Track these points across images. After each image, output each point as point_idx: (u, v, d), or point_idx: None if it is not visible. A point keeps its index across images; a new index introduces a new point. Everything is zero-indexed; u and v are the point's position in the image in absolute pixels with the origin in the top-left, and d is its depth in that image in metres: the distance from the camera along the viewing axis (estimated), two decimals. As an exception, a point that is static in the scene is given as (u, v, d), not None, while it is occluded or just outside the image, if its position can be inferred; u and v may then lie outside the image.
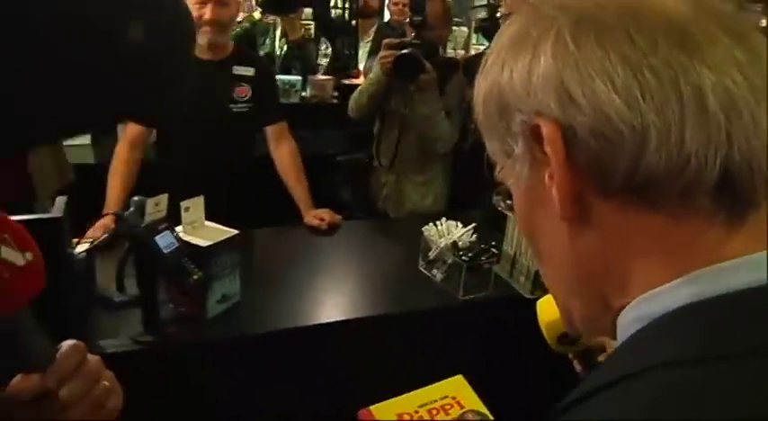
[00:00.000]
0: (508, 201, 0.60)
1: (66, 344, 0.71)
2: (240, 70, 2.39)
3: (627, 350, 0.48)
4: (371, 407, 1.21)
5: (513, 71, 0.49)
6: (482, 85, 0.54)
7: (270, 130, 2.48)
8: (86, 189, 2.19)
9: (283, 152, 2.47)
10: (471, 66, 2.84)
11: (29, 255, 0.62)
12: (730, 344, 0.41)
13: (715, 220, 0.45)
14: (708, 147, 0.43)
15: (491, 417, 1.20)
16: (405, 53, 2.41)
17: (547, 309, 1.05)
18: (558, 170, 0.47)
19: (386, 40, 2.53)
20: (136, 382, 1.12)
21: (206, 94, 2.25)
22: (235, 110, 2.40)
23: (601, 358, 1.08)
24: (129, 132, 2.31)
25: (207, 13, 2.22)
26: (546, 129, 0.46)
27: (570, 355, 1.11)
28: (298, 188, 2.43)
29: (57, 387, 0.67)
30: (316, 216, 2.35)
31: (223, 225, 1.66)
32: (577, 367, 1.12)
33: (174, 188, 1.58)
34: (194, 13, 2.19)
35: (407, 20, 2.63)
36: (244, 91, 2.40)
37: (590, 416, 0.44)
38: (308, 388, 1.64)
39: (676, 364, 0.41)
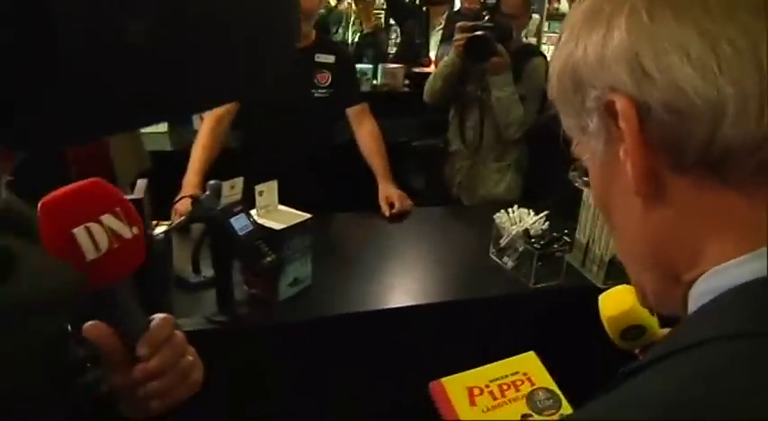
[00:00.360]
0: (584, 178, 0.59)
1: (158, 316, 0.74)
2: (321, 58, 2.46)
3: (692, 322, 0.48)
4: (442, 380, 1.21)
5: (587, 46, 0.49)
6: (556, 61, 0.53)
7: (351, 112, 2.54)
8: (163, 175, 2.26)
9: (365, 131, 2.52)
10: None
11: (135, 230, 0.66)
12: None
13: None
14: None
15: (562, 396, 1.18)
16: (476, 35, 2.40)
17: (609, 305, 1.04)
18: (632, 145, 0.46)
19: (459, 23, 2.52)
20: (209, 361, 1.16)
21: (290, 81, 2.28)
22: (316, 95, 2.47)
23: None
24: (215, 111, 2.38)
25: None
26: (620, 105, 0.46)
27: (636, 351, 1.09)
28: (376, 161, 2.46)
29: (148, 355, 0.70)
30: (387, 199, 2.36)
31: (300, 210, 1.69)
32: None
33: (253, 172, 1.62)
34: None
35: (479, 5, 2.61)
36: (325, 77, 2.47)
37: (648, 383, 0.44)
38: (376, 371, 1.66)
39: (735, 336, 0.41)
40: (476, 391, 1.17)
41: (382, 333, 1.72)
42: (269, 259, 1.47)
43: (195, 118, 3.26)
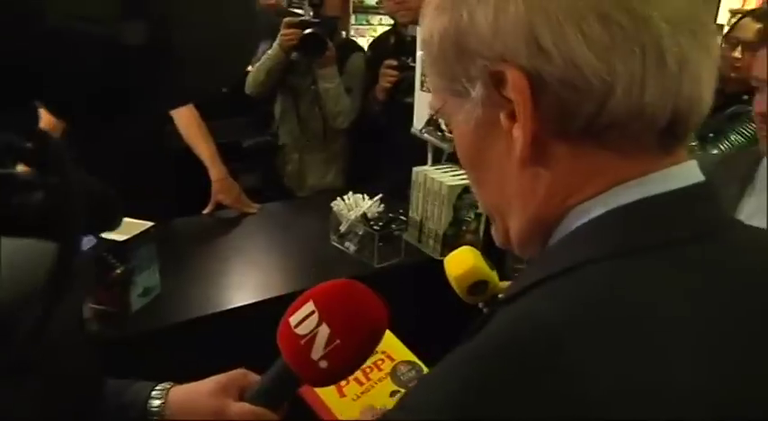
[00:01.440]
0: (439, 133, 0.64)
1: None
2: None
3: (551, 254, 0.53)
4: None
5: (474, 14, 0.50)
6: (435, 24, 0.53)
7: None
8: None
9: (183, 116, 2.40)
10: (377, 47, 2.96)
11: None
12: (643, 240, 0.48)
13: (651, 152, 0.50)
14: (663, 96, 0.47)
15: (422, 365, 1.25)
16: (311, 32, 2.51)
17: (454, 266, 1.14)
18: (524, 116, 0.48)
19: (286, 19, 2.61)
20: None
21: None
22: None
23: None
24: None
25: None
26: (511, 76, 0.48)
27: (480, 304, 1.21)
28: (201, 145, 2.37)
29: None
30: (215, 195, 2.35)
31: (139, 218, 1.66)
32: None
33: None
34: None
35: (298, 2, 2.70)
36: None
37: (519, 313, 0.48)
38: (238, 367, 1.68)
39: (596, 260, 0.47)
40: (342, 383, 1.17)
41: (238, 331, 1.73)
42: (118, 271, 1.45)
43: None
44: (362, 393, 1.21)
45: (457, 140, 0.59)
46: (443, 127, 0.66)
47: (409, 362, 1.28)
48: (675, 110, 0.48)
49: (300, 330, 0.81)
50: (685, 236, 0.48)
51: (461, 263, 1.15)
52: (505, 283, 1.19)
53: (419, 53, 2.16)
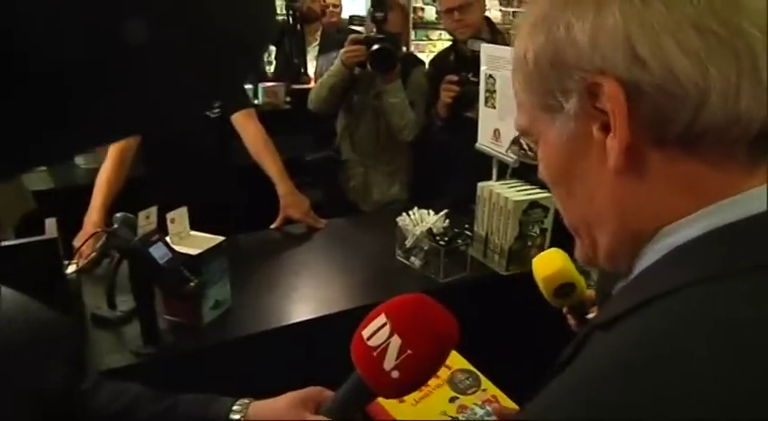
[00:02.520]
0: (529, 152, 0.65)
1: None
2: None
3: (649, 276, 0.53)
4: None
5: (571, 28, 0.51)
6: (528, 41, 0.55)
7: (235, 119, 2.48)
8: (49, 214, 2.20)
9: (250, 133, 2.47)
10: (438, 62, 2.98)
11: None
12: (742, 262, 0.46)
13: (742, 164, 0.50)
14: (757, 104, 0.47)
15: (479, 374, 1.25)
16: (382, 47, 2.54)
17: (542, 266, 1.14)
18: (620, 126, 0.50)
19: (352, 36, 2.66)
20: None
21: None
22: (212, 116, 2.45)
23: (593, 311, 1.17)
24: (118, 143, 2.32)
25: None
26: (608, 88, 0.49)
27: (564, 309, 1.20)
28: (267, 161, 2.42)
29: None
30: (284, 210, 2.39)
31: (212, 232, 1.71)
32: (571, 321, 1.20)
33: (159, 200, 1.62)
34: None
35: (368, 16, 2.74)
36: None
37: (627, 335, 0.47)
38: (307, 381, 1.70)
39: (700, 282, 0.46)
40: None
41: (305, 344, 1.76)
42: (192, 284, 1.48)
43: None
44: (421, 398, 1.23)
45: (545, 156, 0.60)
46: (525, 146, 0.67)
47: (466, 371, 1.29)
48: (767, 119, 0.48)
49: (373, 342, 0.83)
50: None
51: (550, 263, 1.16)
52: (591, 292, 1.19)
53: (483, 68, 2.17)
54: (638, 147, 0.51)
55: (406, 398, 1.19)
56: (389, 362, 0.81)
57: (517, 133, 0.64)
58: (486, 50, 2.16)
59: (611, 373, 0.44)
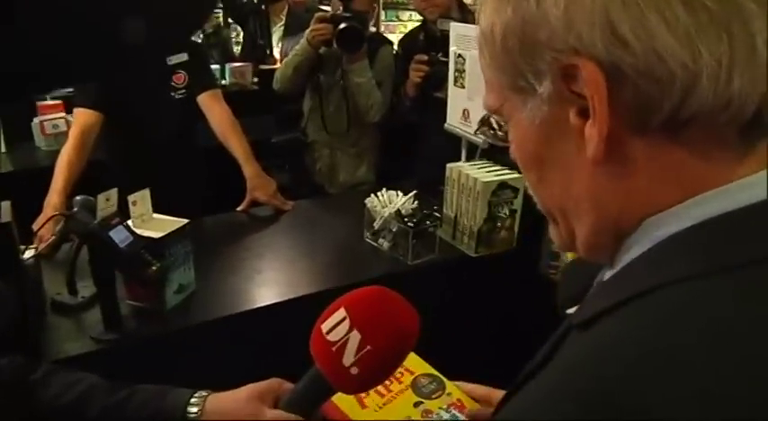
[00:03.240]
0: (499, 132, 0.61)
1: None
2: (174, 58, 2.40)
3: (632, 271, 0.49)
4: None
5: (543, 3, 0.46)
6: (497, 16, 0.50)
7: (201, 100, 2.45)
8: (8, 197, 2.14)
9: (216, 115, 2.44)
10: (407, 42, 2.95)
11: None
12: (733, 257, 0.43)
13: (732, 150, 0.46)
14: (752, 85, 0.43)
15: (443, 377, 1.23)
16: (349, 26, 2.50)
17: None
18: (599, 112, 0.45)
19: (317, 14, 2.61)
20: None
21: (148, 87, 2.29)
22: (177, 97, 2.43)
23: (570, 310, 1.13)
24: (79, 123, 2.28)
25: None
26: (586, 71, 0.45)
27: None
28: (234, 142, 2.39)
29: None
30: (251, 192, 2.36)
31: (177, 214, 1.67)
32: None
33: (122, 183, 1.58)
34: None
35: None
36: (181, 78, 2.43)
37: (611, 332, 0.44)
38: (272, 366, 1.67)
39: (686, 279, 0.43)
40: (362, 394, 1.15)
41: (271, 328, 1.73)
42: (154, 268, 1.45)
43: (37, 134, 3.09)
44: (384, 404, 1.20)
45: (517, 140, 0.55)
46: (495, 125, 0.64)
47: (429, 375, 1.26)
48: (762, 100, 0.44)
49: (332, 337, 0.82)
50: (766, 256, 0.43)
51: None
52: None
53: (452, 48, 2.14)
54: (620, 135, 0.46)
55: (368, 403, 1.16)
56: (348, 357, 0.80)
57: (486, 113, 0.59)
58: (456, 30, 2.14)
59: (598, 369, 0.41)
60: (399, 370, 1.24)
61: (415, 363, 1.26)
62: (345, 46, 2.55)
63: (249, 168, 2.35)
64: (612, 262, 0.53)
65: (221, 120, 2.42)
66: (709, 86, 0.43)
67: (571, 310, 1.03)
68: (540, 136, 0.52)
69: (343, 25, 2.51)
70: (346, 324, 0.81)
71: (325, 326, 0.83)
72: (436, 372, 1.26)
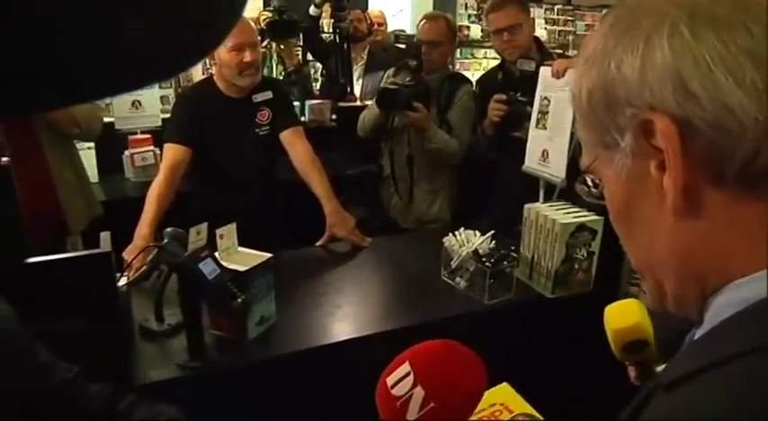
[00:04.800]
0: (593, 190, 0.63)
1: None
2: (259, 96, 2.50)
3: (725, 332, 0.49)
4: None
5: (621, 64, 0.50)
6: (585, 78, 0.54)
7: (284, 137, 2.53)
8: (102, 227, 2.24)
9: (297, 152, 2.51)
10: (485, 82, 2.98)
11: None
12: None
13: None
14: None
15: (541, 418, 1.22)
16: (387, 88, 2.63)
17: (616, 317, 1.03)
18: (674, 164, 0.47)
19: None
20: (187, 408, 1.18)
21: (234, 125, 2.44)
22: (260, 133, 2.52)
23: (659, 368, 1.08)
24: (169, 157, 2.38)
25: (247, 56, 2.35)
26: (661, 125, 0.47)
27: (627, 363, 1.09)
28: (315, 180, 2.45)
29: None
30: (330, 228, 2.41)
31: (260, 248, 1.73)
32: (632, 373, 1.11)
33: (206, 215, 1.65)
34: (233, 60, 2.34)
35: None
36: (265, 115, 2.52)
37: (695, 397, 0.45)
38: (349, 399, 1.69)
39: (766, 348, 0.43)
40: None
41: (348, 362, 1.76)
42: (239, 300, 1.50)
43: (127, 166, 3.24)
44: None
45: (608, 196, 0.58)
46: (590, 183, 0.64)
47: (529, 415, 1.25)
48: None
49: (396, 391, 0.83)
50: None
51: (625, 315, 1.04)
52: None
53: (539, 89, 2.17)
54: (697, 187, 0.48)
55: None
56: (412, 413, 0.81)
57: (577, 162, 0.61)
58: (544, 72, 2.16)
59: None
60: (498, 408, 1.25)
61: (513, 401, 1.26)
62: (384, 105, 2.66)
63: (329, 205, 2.41)
64: (702, 319, 0.53)
65: (303, 156, 2.49)
66: None
67: (660, 368, 0.99)
68: (627, 191, 0.54)
69: (384, 87, 2.64)
70: (411, 379, 0.82)
71: (390, 380, 0.84)
72: (534, 412, 1.24)
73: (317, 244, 2.40)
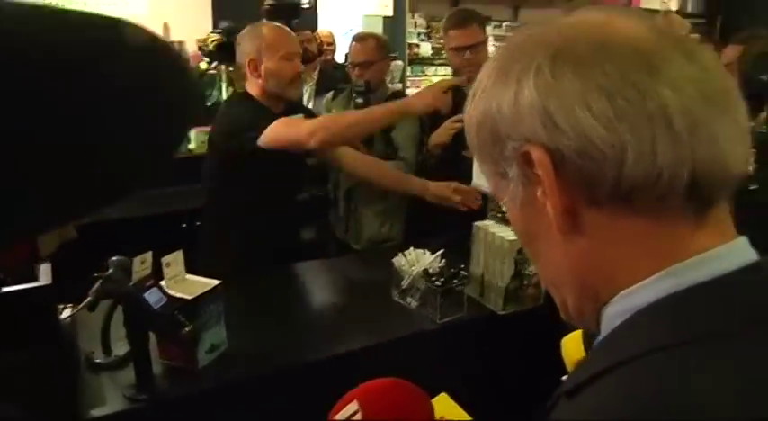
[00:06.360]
0: (499, 215, 0.69)
1: None
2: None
3: (615, 340, 0.55)
4: None
5: (500, 103, 0.55)
6: (473, 115, 0.59)
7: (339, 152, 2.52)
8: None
9: (354, 155, 2.54)
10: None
11: None
12: (700, 328, 0.49)
13: (685, 218, 0.52)
14: (676, 160, 0.49)
15: None
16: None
17: (572, 348, 1.07)
18: (549, 188, 0.53)
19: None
20: None
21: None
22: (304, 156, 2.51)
23: None
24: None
25: (298, 65, 2.33)
26: (535, 154, 0.53)
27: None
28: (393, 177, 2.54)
29: None
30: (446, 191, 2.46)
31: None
32: None
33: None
34: (286, 69, 2.30)
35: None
36: None
37: (590, 404, 0.50)
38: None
39: (655, 351, 0.49)
40: None
41: (301, 387, 1.74)
42: (187, 329, 1.48)
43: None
44: None
45: (511, 219, 0.64)
46: (504, 208, 0.68)
47: None
48: (694, 172, 0.50)
49: None
50: (737, 324, 0.49)
51: (581, 344, 1.09)
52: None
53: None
54: (575, 209, 0.54)
55: None
56: None
57: None
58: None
59: None
60: (437, 419, 1.25)
61: (454, 414, 1.25)
62: None
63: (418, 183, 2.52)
64: (600, 331, 0.58)
65: (364, 160, 2.58)
66: (636, 162, 0.50)
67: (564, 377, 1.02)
68: (524, 215, 0.60)
69: None
70: (358, 418, 0.82)
71: (338, 418, 0.84)
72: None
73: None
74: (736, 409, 0.44)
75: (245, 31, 2.39)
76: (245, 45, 2.33)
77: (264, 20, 3.19)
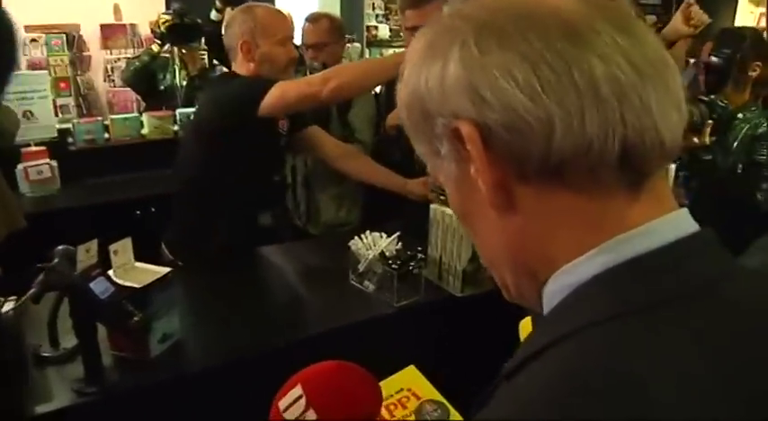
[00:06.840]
0: (441, 197, 0.67)
1: None
2: None
3: (551, 320, 0.54)
4: None
5: (428, 79, 0.54)
6: (404, 95, 0.58)
7: (311, 132, 2.49)
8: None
9: (330, 142, 2.51)
10: (390, 82, 2.97)
11: None
12: (638, 301, 0.48)
13: (619, 191, 0.51)
14: (606, 130, 0.48)
15: (448, 405, 1.23)
16: None
17: (529, 330, 1.08)
18: (479, 164, 0.52)
19: None
20: None
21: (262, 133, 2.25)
22: (281, 143, 2.43)
23: None
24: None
25: (292, 50, 2.27)
26: (464, 130, 0.52)
27: None
28: (368, 168, 2.51)
29: None
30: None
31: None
32: None
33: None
34: (282, 53, 2.23)
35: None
36: (284, 123, 2.38)
37: (522, 386, 0.49)
38: (263, 414, 1.66)
39: (594, 325, 0.48)
40: None
41: (258, 375, 1.70)
42: (136, 318, 1.44)
43: (21, 181, 3.08)
44: None
45: (449, 198, 0.62)
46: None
47: (435, 402, 1.25)
48: (624, 141, 0.49)
49: (289, 415, 0.83)
50: (674, 296, 0.49)
51: None
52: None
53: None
54: (506, 184, 0.53)
55: None
56: None
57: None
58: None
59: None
60: (406, 394, 1.24)
61: (421, 386, 1.25)
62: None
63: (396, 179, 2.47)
64: (542, 310, 0.57)
65: (340, 148, 2.55)
66: (564, 133, 0.49)
67: None
68: (459, 193, 0.59)
69: None
70: (303, 402, 0.81)
71: (282, 404, 0.83)
72: (442, 399, 1.24)
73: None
74: (669, 379, 0.44)
75: (235, 11, 2.31)
76: (237, 27, 2.23)
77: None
